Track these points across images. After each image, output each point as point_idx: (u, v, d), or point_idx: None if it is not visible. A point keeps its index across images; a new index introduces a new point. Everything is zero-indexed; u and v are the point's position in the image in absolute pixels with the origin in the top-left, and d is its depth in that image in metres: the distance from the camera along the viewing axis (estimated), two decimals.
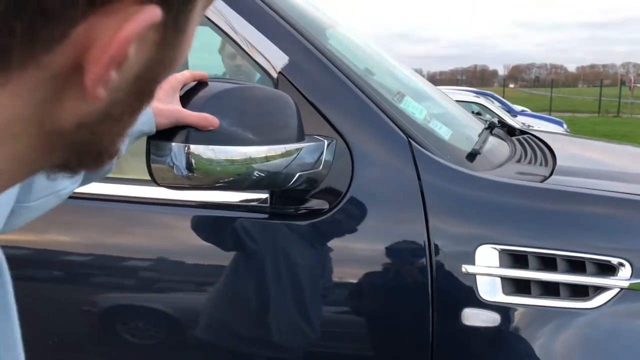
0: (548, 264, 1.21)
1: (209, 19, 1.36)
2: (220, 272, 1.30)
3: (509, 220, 1.23)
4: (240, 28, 1.36)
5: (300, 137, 1.20)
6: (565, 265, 1.20)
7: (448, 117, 1.73)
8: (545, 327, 1.19)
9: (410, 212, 1.23)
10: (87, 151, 0.38)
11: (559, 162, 1.51)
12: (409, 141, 1.28)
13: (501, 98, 14.73)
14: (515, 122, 9.61)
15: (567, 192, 1.26)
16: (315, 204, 1.27)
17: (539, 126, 9.73)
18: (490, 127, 1.64)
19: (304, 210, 1.28)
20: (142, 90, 0.36)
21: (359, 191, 1.25)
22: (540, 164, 1.50)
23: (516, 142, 1.80)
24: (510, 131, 2.16)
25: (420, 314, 1.22)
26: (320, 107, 1.30)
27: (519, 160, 1.53)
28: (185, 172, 1.07)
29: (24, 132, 0.32)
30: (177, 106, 1.04)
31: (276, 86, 1.32)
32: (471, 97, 10.85)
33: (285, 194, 1.28)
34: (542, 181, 1.31)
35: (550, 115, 19.29)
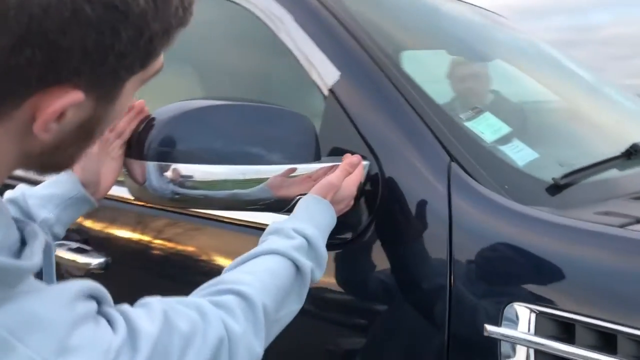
0: (605, 340, 0.86)
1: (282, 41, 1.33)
2: None
3: (557, 275, 0.91)
4: (301, 43, 1.30)
5: (317, 157, 1.10)
6: (630, 346, 0.84)
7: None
8: None
9: (432, 252, 1.01)
10: (51, 165, 0.64)
11: None
12: (449, 164, 1.05)
13: None
14: None
15: None
16: (340, 231, 1.14)
17: None
18: (630, 153, 1.24)
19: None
20: (87, 133, 0.60)
21: (381, 222, 1.08)
22: None
23: None
24: None
25: None
26: (360, 126, 1.15)
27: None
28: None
29: (11, 152, 0.55)
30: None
31: (327, 105, 1.22)
32: None
33: None
34: (622, 226, 0.94)
35: None
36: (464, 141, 1.10)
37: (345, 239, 1.12)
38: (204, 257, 1.39)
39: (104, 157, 1.01)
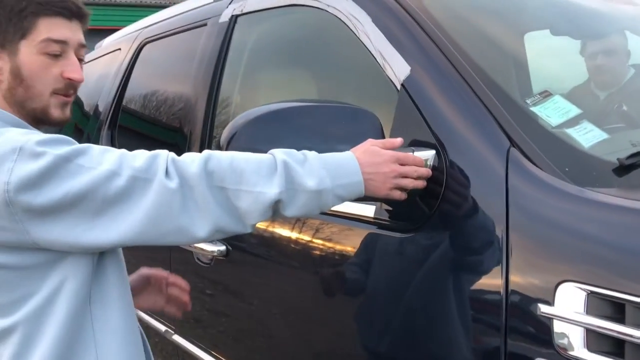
0: None
1: (353, 32, 1.43)
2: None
3: (608, 255, 0.92)
4: (377, 41, 1.38)
5: None
6: None
7: None
8: None
9: (490, 235, 1.05)
10: (32, 112, 1.10)
11: None
12: (509, 149, 1.08)
13: None
14: None
15: None
16: (412, 217, 1.21)
17: None
18: None
19: (398, 223, 1.23)
20: (19, 77, 1.07)
21: (446, 208, 1.13)
22: None
23: None
24: None
25: (491, 357, 1.03)
26: (428, 117, 1.22)
27: None
28: None
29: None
30: None
31: (399, 98, 1.29)
32: None
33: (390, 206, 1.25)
34: None
35: None
36: (526, 125, 1.12)
37: (413, 226, 1.19)
38: (306, 245, 1.53)
39: (149, 289, 1.36)
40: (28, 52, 1.08)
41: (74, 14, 1.11)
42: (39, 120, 1.12)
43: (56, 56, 1.09)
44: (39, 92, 1.09)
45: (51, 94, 1.10)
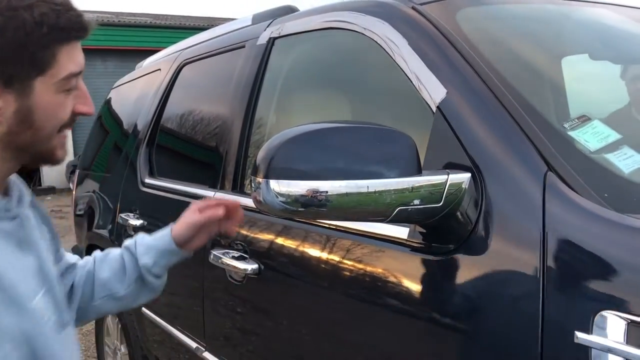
0: None
1: (392, 58, 1.44)
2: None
3: None
4: (413, 64, 1.39)
5: (417, 172, 1.17)
6: None
7: None
8: None
9: (526, 260, 1.04)
10: (35, 155, 0.92)
11: None
12: (546, 173, 1.07)
13: None
14: None
15: None
16: (446, 240, 1.20)
17: None
18: None
19: (431, 246, 1.22)
20: (28, 121, 0.86)
21: (481, 232, 1.12)
22: None
23: None
24: None
25: None
26: (464, 139, 1.21)
27: None
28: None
29: None
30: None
31: (435, 121, 1.29)
32: None
33: (427, 228, 1.25)
34: None
35: None
36: (563, 150, 1.11)
37: (448, 250, 1.18)
38: (337, 266, 1.53)
39: (201, 231, 1.31)
40: (45, 91, 0.87)
41: (87, 33, 0.91)
42: (41, 161, 0.96)
43: (71, 90, 0.91)
44: (48, 135, 0.91)
45: (57, 133, 0.93)
